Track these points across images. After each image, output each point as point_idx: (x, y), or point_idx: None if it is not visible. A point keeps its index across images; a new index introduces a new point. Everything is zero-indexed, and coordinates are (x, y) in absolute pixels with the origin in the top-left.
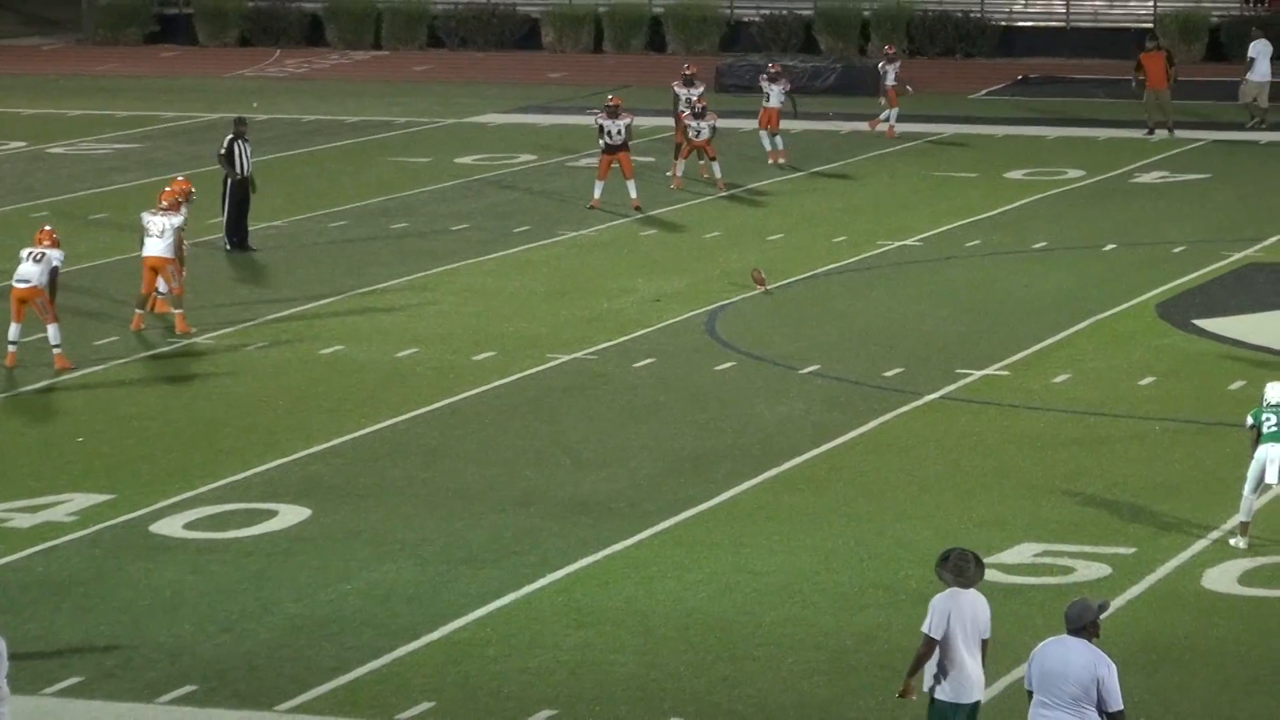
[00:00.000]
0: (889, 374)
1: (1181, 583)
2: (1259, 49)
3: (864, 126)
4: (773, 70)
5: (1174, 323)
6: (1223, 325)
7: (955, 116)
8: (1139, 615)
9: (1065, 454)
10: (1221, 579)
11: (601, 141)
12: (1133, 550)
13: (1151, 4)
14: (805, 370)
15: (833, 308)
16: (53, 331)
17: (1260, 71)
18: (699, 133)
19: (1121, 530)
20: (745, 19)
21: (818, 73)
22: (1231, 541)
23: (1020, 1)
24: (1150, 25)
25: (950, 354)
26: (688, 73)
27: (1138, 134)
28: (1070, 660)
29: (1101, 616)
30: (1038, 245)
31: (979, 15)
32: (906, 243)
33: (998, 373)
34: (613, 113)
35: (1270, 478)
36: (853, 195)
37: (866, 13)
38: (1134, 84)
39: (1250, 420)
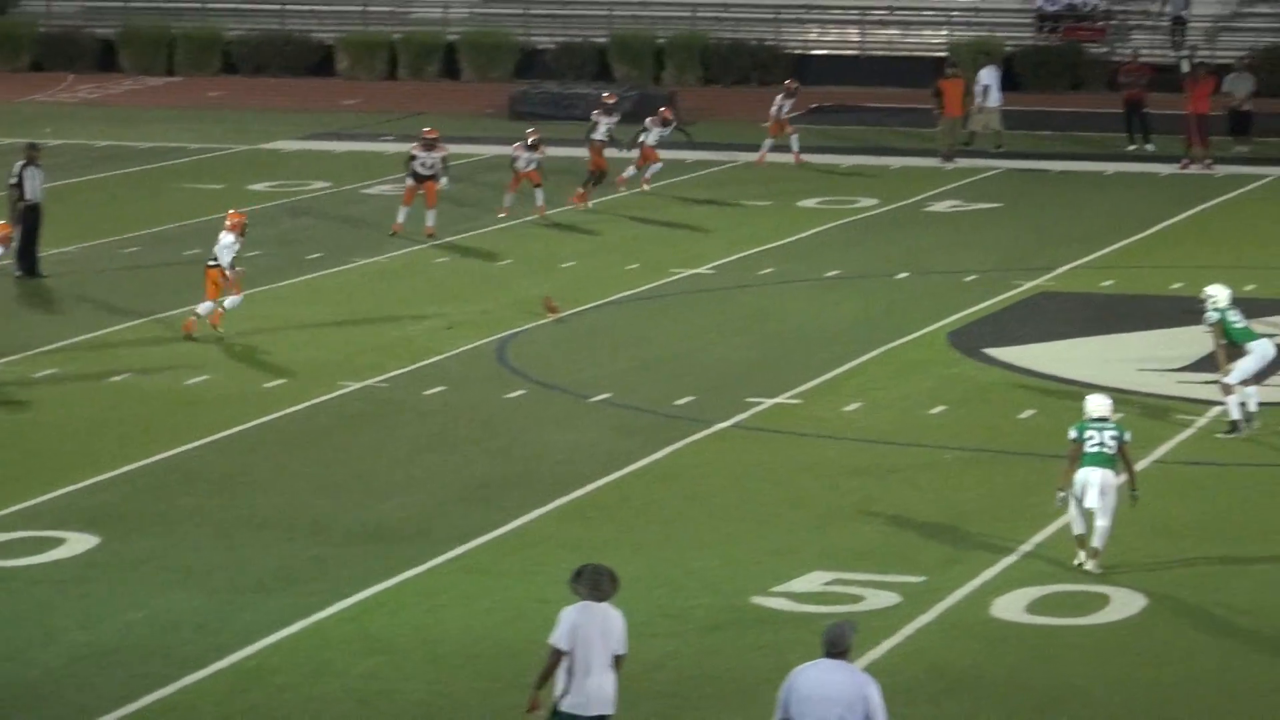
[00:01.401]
0: (680, 402)
1: (970, 611)
2: (990, 76)
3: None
4: (664, 114)
5: (965, 351)
6: (1013, 354)
7: (750, 145)
8: (928, 643)
9: (856, 483)
10: (1010, 607)
11: (413, 169)
12: (922, 578)
13: (946, 33)
14: (596, 398)
15: (624, 336)
16: None
17: (994, 99)
18: (530, 164)
19: (911, 559)
20: (540, 46)
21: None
22: (1076, 562)
23: (815, 30)
24: (945, 54)
25: (741, 382)
26: (609, 101)
27: (931, 162)
28: (832, 682)
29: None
30: (830, 273)
31: (774, 43)
32: (699, 270)
33: (789, 401)
34: (429, 145)
35: (1089, 502)
36: (645, 223)
37: (661, 41)
38: (934, 111)
39: (1074, 433)
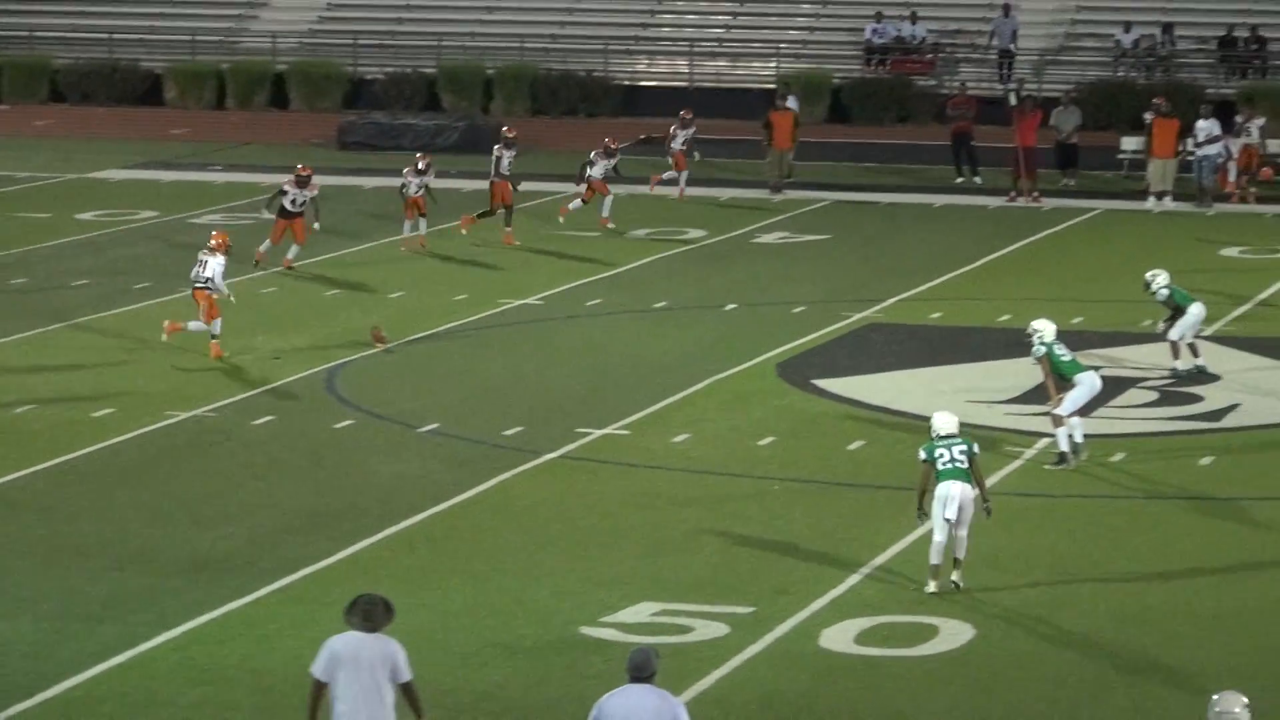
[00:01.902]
0: (509, 433)
1: (799, 642)
2: (791, 105)
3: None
4: (608, 144)
5: (794, 383)
6: (842, 385)
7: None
8: (756, 674)
9: (684, 513)
10: (838, 638)
11: (281, 204)
12: (751, 609)
13: (774, 65)
14: (425, 429)
15: (453, 366)
16: None
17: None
18: (420, 189)
19: (740, 589)
20: (369, 76)
21: (440, 131)
22: (928, 589)
23: (644, 61)
24: (773, 86)
25: (570, 413)
26: (509, 135)
27: (759, 194)
28: (642, 707)
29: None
30: (659, 305)
31: (603, 74)
32: (527, 301)
33: (618, 432)
34: (303, 182)
35: (949, 514)
36: (474, 253)
37: (490, 71)
38: (764, 143)
39: (923, 454)
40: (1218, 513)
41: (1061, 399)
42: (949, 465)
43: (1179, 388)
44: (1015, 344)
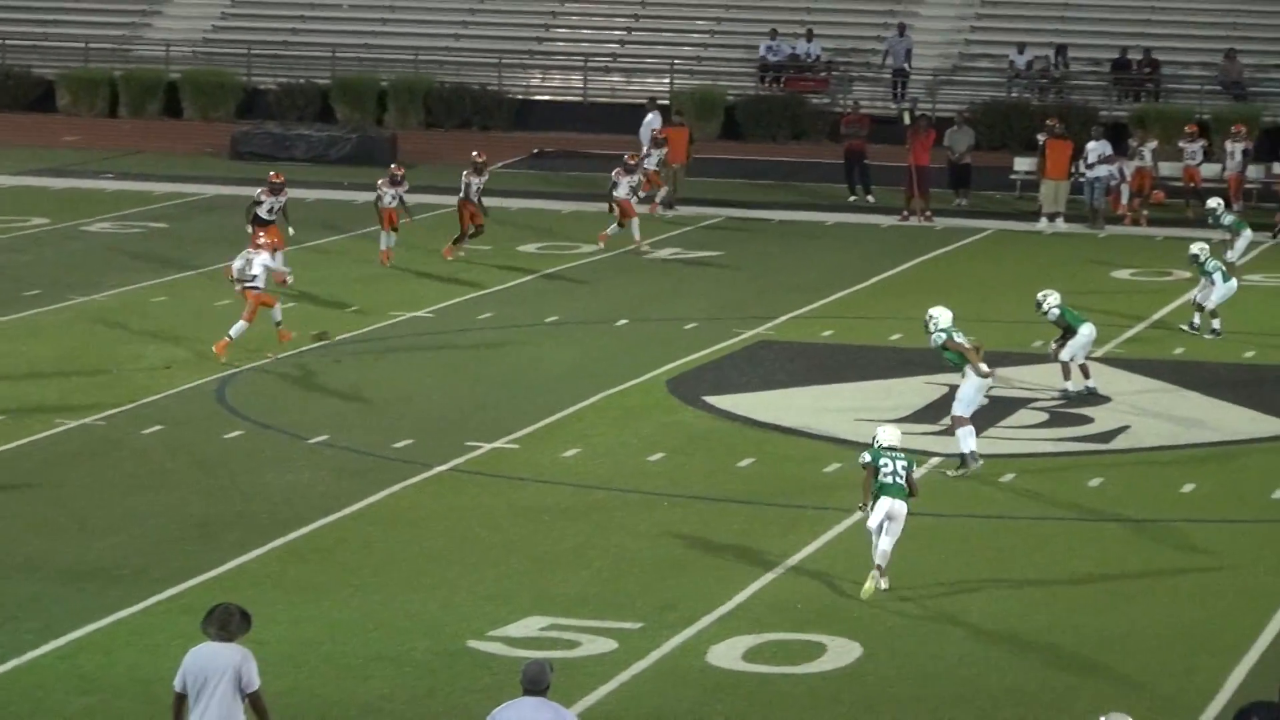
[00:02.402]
0: (398, 445)
1: (686, 659)
2: (656, 121)
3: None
4: (629, 160)
5: (684, 399)
6: (732, 402)
7: None
8: (643, 691)
9: (573, 528)
10: (726, 656)
11: (256, 213)
12: (639, 625)
13: (668, 82)
14: (314, 440)
15: (343, 378)
16: None
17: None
18: (394, 199)
19: (628, 605)
20: (262, 86)
21: (333, 142)
22: (869, 585)
23: (538, 75)
24: (667, 102)
25: (460, 426)
26: (479, 160)
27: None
28: (534, 718)
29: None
30: (550, 319)
31: (496, 88)
32: (418, 314)
33: (507, 446)
34: (275, 189)
35: (878, 523)
36: (365, 265)
37: (384, 83)
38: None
39: (868, 457)
40: (1107, 534)
41: (979, 367)
42: (890, 479)
43: (1069, 409)
44: (906, 362)
